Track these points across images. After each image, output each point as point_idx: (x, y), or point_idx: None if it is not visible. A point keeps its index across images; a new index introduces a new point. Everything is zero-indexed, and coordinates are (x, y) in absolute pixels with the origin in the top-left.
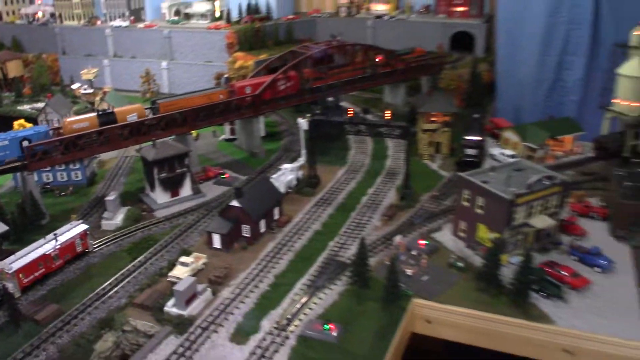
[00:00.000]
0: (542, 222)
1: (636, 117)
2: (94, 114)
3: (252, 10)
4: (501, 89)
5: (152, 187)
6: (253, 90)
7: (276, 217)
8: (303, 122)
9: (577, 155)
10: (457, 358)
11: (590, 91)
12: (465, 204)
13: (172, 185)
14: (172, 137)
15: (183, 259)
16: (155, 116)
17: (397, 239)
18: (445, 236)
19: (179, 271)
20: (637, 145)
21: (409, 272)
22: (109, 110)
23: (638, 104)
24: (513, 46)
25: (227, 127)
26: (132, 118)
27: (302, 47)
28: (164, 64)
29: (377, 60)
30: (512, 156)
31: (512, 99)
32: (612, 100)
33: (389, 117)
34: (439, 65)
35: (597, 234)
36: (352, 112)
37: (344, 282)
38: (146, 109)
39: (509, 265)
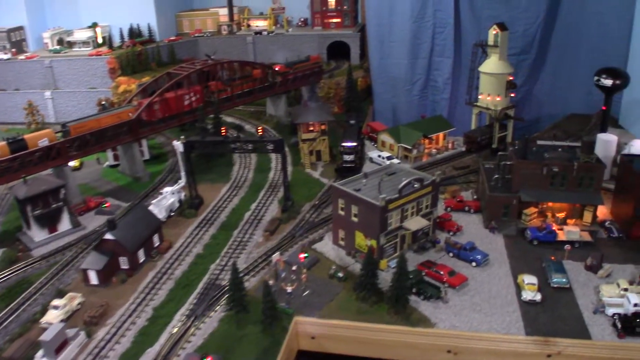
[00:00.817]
0: (416, 223)
1: (500, 110)
2: (3, 142)
3: (135, 34)
4: (377, 93)
5: (28, 225)
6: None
7: (156, 244)
8: (178, 144)
9: (451, 150)
10: None
11: (459, 89)
12: (341, 212)
13: (49, 221)
14: (49, 170)
15: (55, 301)
16: (67, 138)
17: (275, 256)
18: (327, 246)
19: (51, 316)
20: (505, 136)
21: (289, 289)
22: (19, 137)
23: (500, 98)
24: (384, 52)
25: (109, 153)
26: (43, 143)
27: (177, 69)
28: (47, 93)
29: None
30: (389, 158)
31: (388, 102)
32: (478, 96)
33: (261, 133)
34: (317, 74)
35: (472, 227)
36: (224, 130)
37: (224, 308)
38: (56, 132)
39: (389, 270)
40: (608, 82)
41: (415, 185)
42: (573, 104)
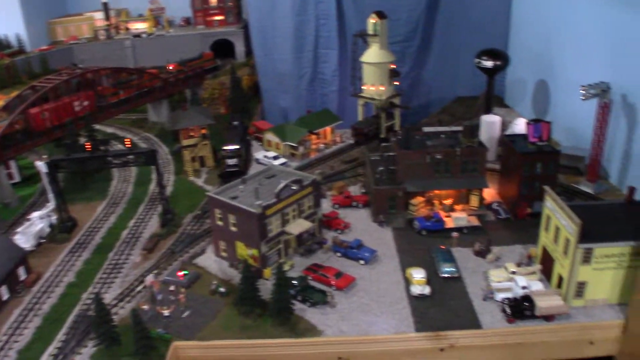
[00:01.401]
0: (298, 227)
1: (385, 99)
2: None
3: (2, 45)
4: (265, 91)
5: None
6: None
7: (22, 277)
8: (41, 165)
9: (339, 144)
10: None
11: (347, 80)
12: (220, 223)
13: None
14: None
15: None
16: None
17: (149, 278)
18: (209, 259)
19: None
20: (393, 125)
21: (166, 312)
22: None
23: (384, 88)
24: (268, 47)
25: None
26: None
27: (43, 80)
28: None
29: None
30: (276, 157)
31: (277, 99)
32: (362, 87)
33: (129, 145)
34: (199, 76)
35: (361, 223)
36: (89, 146)
37: (95, 342)
38: None
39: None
40: (489, 64)
41: (294, 187)
42: (460, 87)
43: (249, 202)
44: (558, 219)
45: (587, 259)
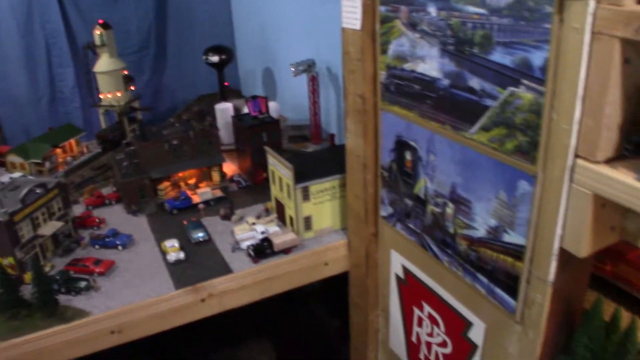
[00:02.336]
0: (50, 227)
1: (124, 105)
2: None
3: None
4: (3, 118)
5: None
6: None
7: None
8: None
9: (87, 154)
10: None
11: (87, 94)
12: None
13: None
14: None
15: None
16: None
17: None
18: None
19: None
20: (135, 129)
21: None
22: None
23: (120, 94)
24: (1, 71)
25: None
26: None
27: None
28: None
29: None
30: (23, 177)
31: (17, 124)
32: (100, 96)
33: None
34: None
35: (116, 217)
36: None
37: None
38: None
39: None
40: (215, 59)
41: (38, 191)
42: (201, 86)
43: None
44: (279, 171)
45: (306, 196)
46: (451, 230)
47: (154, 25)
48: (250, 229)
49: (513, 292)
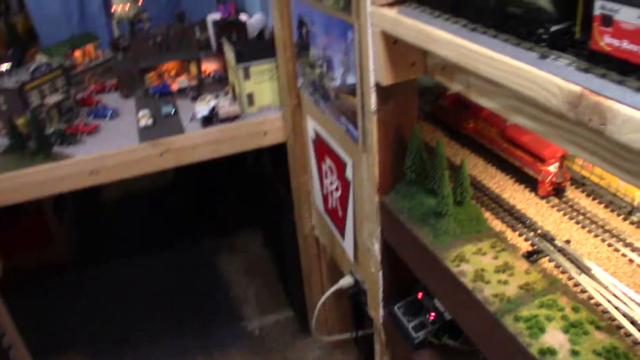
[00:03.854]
0: (54, 98)
1: (132, 16)
2: None
3: None
4: (42, 36)
5: None
6: None
7: None
8: None
9: (102, 58)
10: None
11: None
12: None
13: None
14: None
15: None
16: None
17: None
18: None
19: None
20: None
21: None
22: None
23: (127, 7)
24: None
25: None
26: None
27: None
28: None
29: None
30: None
31: (54, 40)
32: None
33: None
34: None
35: (112, 100)
36: None
37: None
38: None
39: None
40: None
41: (43, 69)
42: None
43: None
44: (230, 56)
45: (247, 75)
46: (327, 85)
47: None
48: (207, 104)
49: (357, 126)
